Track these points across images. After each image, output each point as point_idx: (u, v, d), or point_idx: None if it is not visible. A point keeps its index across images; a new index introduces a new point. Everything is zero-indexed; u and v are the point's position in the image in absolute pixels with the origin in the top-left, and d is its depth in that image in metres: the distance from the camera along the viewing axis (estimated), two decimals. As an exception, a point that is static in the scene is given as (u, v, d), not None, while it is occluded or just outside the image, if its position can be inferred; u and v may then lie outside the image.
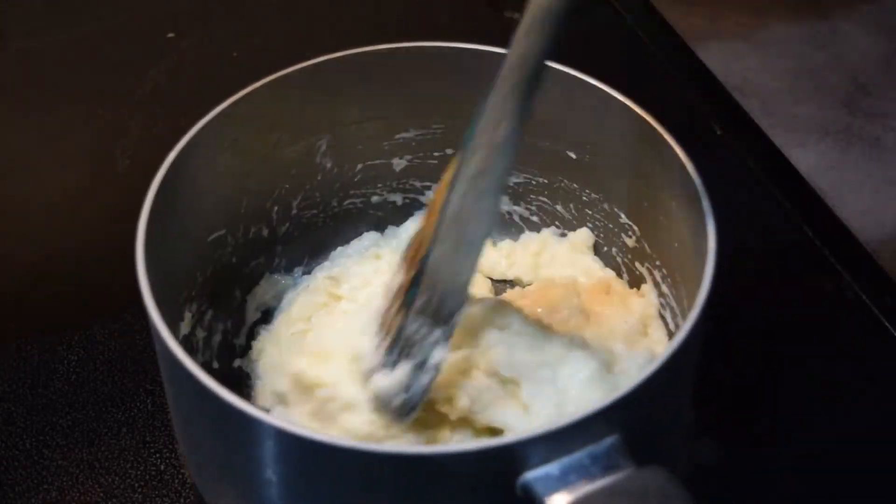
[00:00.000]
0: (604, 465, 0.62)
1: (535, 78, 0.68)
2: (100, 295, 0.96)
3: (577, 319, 0.86)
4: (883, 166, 1.37)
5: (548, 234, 0.95)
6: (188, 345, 0.83)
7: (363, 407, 0.76)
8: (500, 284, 0.94)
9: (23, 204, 1.05)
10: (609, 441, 0.63)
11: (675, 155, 0.77)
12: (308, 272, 0.94)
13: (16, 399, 0.88)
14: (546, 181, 0.93)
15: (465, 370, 0.79)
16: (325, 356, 0.81)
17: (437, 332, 0.72)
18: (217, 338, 0.87)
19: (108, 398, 0.88)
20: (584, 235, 0.93)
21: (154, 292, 0.69)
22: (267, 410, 0.82)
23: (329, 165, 0.92)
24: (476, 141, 0.69)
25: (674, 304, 0.85)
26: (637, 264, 0.89)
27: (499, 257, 0.95)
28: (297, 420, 0.79)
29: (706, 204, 0.74)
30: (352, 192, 0.95)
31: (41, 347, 0.92)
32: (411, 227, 0.96)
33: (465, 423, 0.78)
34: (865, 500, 0.84)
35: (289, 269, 0.94)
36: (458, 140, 0.92)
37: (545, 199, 0.94)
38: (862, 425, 0.87)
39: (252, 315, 0.91)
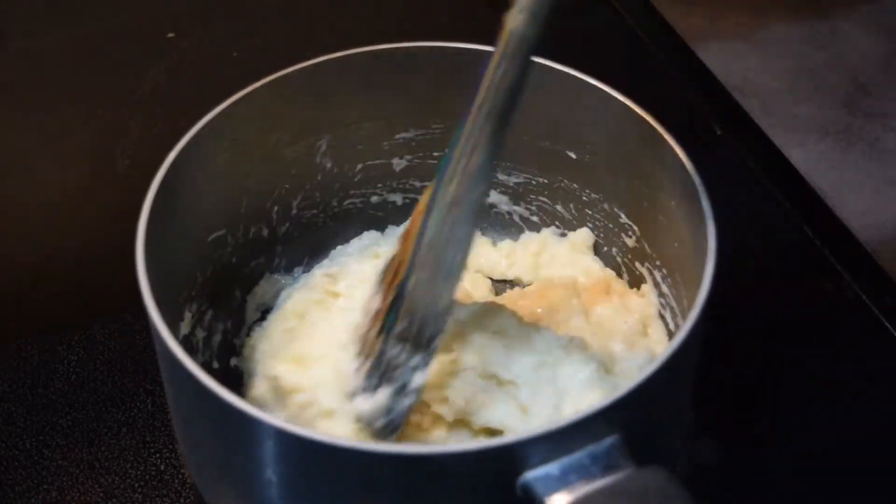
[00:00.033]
0: (604, 465, 0.62)
1: (509, 106, 0.68)
2: (100, 295, 0.96)
3: (577, 319, 0.86)
4: (883, 166, 1.37)
5: (548, 234, 0.95)
6: (188, 345, 0.83)
7: (342, 415, 0.76)
8: (500, 284, 0.95)
9: (23, 204, 1.05)
10: (609, 441, 0.63)
11: (675, 155, 0.77)
12: (308, 272, 0.94)
13: (16, 399, 0.88)
14: (546, 181, 0.93)
15: (460, 371, 0.79)
16: (306, 360, 0.81)
17: (417, 358, 0.73)
18: (217, 338, 0.87)
19: (108, 398, 0.88)
20: (584, 235, 0.93)
21: (154, 292, 0.69)
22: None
23: (329, 165, 0.92)
24: (452, 168, 0.69)
25: (674, 304, 0.85)
26: (637, 264, 0.89)
27: (499, 257, 0.95)
28: None
29: (706, 204, 0.74)
30: (352, 192, 0.95)
31: (41, 347, 0.92)
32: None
33: (463, 424, 0.78)
34: (865, 500, 0.84)
35: (289, 269, 0.94)
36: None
37: (545, 199, 0.94)
38: (862, 425, 0.87)
39: (252, 315, 0.91)
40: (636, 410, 0.66)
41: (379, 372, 0.74)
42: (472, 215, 0.71)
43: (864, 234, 1.03)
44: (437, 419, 0.78)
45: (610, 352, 0.83)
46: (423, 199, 0.72)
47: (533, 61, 0.68)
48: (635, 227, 0.89)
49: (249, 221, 0.90)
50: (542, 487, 0.62)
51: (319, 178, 0.92)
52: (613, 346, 0.84)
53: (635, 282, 0.90)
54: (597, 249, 0.93)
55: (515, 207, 0.96)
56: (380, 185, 0.95)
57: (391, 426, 0.74)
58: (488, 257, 0.95)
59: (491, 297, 0.92)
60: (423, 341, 0.73)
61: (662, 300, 0.87)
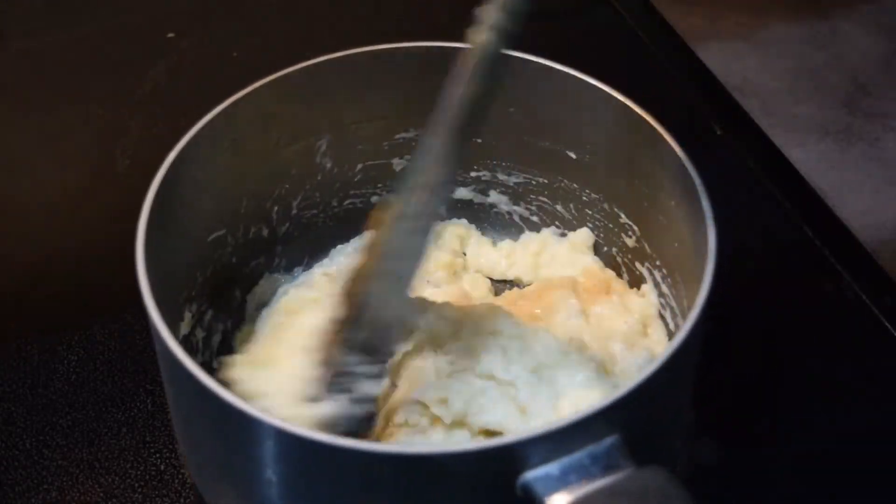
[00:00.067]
0: (604, 465, 0.62)
1: (471, 122, 0.68)
2: (100, 295, 0.96)
3: (577, 320, 0.86)
4: (883, 166, 1.37)
5: (548, 234, 0.95)
6: (188, 345, 0.83)
7: (298, 420, 0.74)
8: (500, 284, 0.95)
9: (23, 204, 1.05)
10: (609, 441, 0.63)
11: (675, 155, 0.77)
12: (308, 271, 0.94)
13: (16, 399, 0.88)
14: (546, 181, 0.93)
15: (458, 373, 0.79)
16: (268, 363, 0.80)
17: (374, 368, 0.73)
18: (217, 338, 0.87)
19: (108, 398, 0.88)
20: (584, 235, 0.93)
21: (154, 292, 0.69)
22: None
23: (329, 165, 0.92)
24: (414, 182, 0.70)
25: (674, 304, 0.85)
26: (637, 264, 0.89)
27: (499, 257, 0.95)
28: None
29: (706, 204, 0.74)
30: (352, 192, 0.95)
31: (41, 347, 0.92)
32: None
33: (462, 424, 0.78)
34: (865, 500, 0.84)
35: (289, 269, 0.94)
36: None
37: (545, 199, 0.94)
38: (862, 425, 0.87)
39: (252, 315, 0.91)
40: (636, 410, 0.66)
41: (335, 380, 0.74)
42: (430, 227, 0.72)
43: (864, 234, 1.03)
44: (436, 420, 0.78)
45: (610, 352, 0.83)
46: (380, 214, 0.73)
47: (496, 80, 0.68)
48: (635, 227, 0.89)
49: (249, 221, 0.90)
50: (542, 487, 0.62)
51: (319, 178, 0.92)
52: (613, 347, 0.84)
53: (635, 282, 0.90)
54: (597, 249, 0.93)
55: (515, 207, 0.96)
56: (380, 186, 0.95)
57: (347, 433, 0.72)
58: (488, 257, 0.95)
59: (490, 298, 0.92)
60: (379, 351, 0.73)
61: (662, 300, 0.87)
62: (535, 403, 0.77)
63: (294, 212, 0.93)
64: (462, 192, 0.96)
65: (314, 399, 0.74)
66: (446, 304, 0.84)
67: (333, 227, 0.95)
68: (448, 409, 0.77)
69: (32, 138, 1.12)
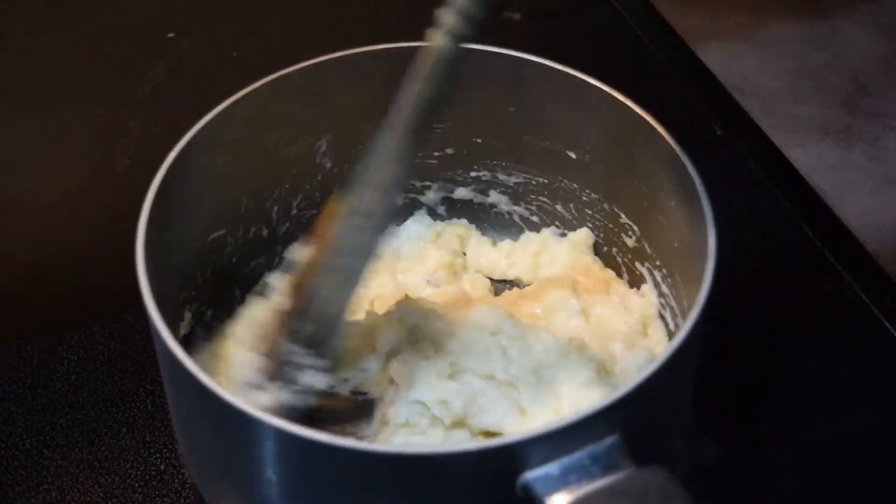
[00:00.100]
0: (604, 465, 0.63)
1: (425, 122, 0.69)
2: (100, 295, 0.96)
3: (577, 320, 0.86)
4: (883, 166, 1.37)
5: (548, 234, 0.95)
6: (189, 344, 0.83)
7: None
8: (500, 284, 0.94)
9: (23, 204, 1.05)
10: (609, 441, 0.63)
11: (676, 155, 0.77)
12: None
13: (16, 399, 0.88)
14: (546, 181, 0.93)
15: (458, 374, 0.79)
16: (222, 354, 0.82)
17: (315, 360, 0.74)
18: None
19: (108, 398, 0.88)
20: (584, 235, 0.93)
21: (154, 292, 0.69)
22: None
23: (329, 165, 0.92)
24: (366, 180, 0.71)
25: (674, 304, 0.85)
26: (637, 264, 0.89)
27: (499, 257, 0.95)
28: None
29: (706, 204, 0.74)
30: (352, 192, 0.95)
31: (41, 347, 0.92)
32: (412, 226, 0.96)
33: (462, 425, 0.78)
34: (865, 500, 0.84)
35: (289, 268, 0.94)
36: (458, 139, 0.92)
37: (545, 199, 0.94)
38: (862, 425, 0.87)
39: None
40: (636, 410, 0.66)
41: (280, 371, 0.74)
42: (381, 226, 0.72)
43: (864, 234, 1.03)
44: (436, 420, 0.78)
45: (610, 352, 0.83)
46: (331, 209, 0.73)
47: (452, 82, 0.69)
48: (635, 228, 0.89)
49: (249, 221, 0.90)
50: (542, 487, 0.62)
51: (319, 177, 0.92)
52: (613, 347, 0.84)
53: (635, 282, 0.90)
54: (597, 249, 0.93)
55: (515, 207, 0.96)
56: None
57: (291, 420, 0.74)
58: (488, 257, 0.95)
59: (490, 298, 0.92)
60: (321, 345, 0.74)
61: (662, 300, 0.87)
62: (535, 404, 0.77)
63: (294, 212, 0.93)
64: (462, 192, 0.96)
65: (258, 387, 0.74)
66: (446, 305, 0.84)
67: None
68: (448, 410, 0.77)
69: (32, 138, 1.12)
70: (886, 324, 0.92)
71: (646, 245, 0.88)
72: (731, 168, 1.06)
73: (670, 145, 0.78)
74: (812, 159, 1.36)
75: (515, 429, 0.75)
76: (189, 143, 0.79)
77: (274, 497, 0.69)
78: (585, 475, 0.62)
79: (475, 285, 0.93)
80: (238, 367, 0.78)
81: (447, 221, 0.97)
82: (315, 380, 0.74)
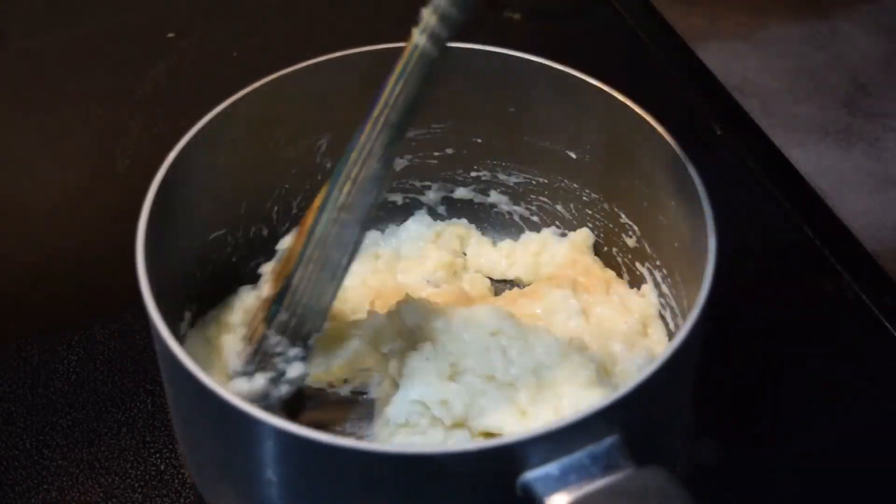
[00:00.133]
0: (604, 465, 0.62)
1: (404, 119, 0.70)
2: (100, 295, 0.96)
3: (577, 320, 0.86)
4: (883, 166, 1.37)
5: (548, 233, 0.95)
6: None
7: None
8: (500, 284, 0.94)
9: (23, 204, 1.05)
10: (609, 441, 0.63)
11: (676, 155, 0.77)
12: None
13: (16, 399, 0.88)
14: (546, 181, 0.93)
15: (459, 374, 0.79)
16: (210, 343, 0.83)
17: (296, 350, 0.75)
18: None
19: (108, 398, 0.88)
20: (584, 235, 0.93)
21: (154, 292, 0.69)
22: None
23: (329, 165, 0.92)
24: (345, 173, 0.72)
25: (674, 304, 0.85)
26: (637, 264, 0.89)
27: (499, 257, 0.95)
28: None
29: (706, 204, 0.74)
30: (352, 191, 0.95)
31: (41, 347, 0.92)
32: (412, 226, 0.96)
33: (462, 426, 0.78)
34: (865, 500, 0.84)
35: None
36: (458, 139, 0.92)
37: (545, 199, 0.94)
38: (862, 425, 0.87)
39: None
40: (636, 410, 0.66)
41: (258, 358, 0.75)
42: (362, 220, 0.73)
43: (864, 234, 1.03)
44: (436, 420, 0.78)
45: (610, 352, 0.83)
46: (319, 197, 0.74)
47: (431, 81, 0.70)
48: (635, 228, 0.89)
49: (250, 221, 0.90)
50: (542, 487, 0.62)
51: (320, 177, 0.92)
52: (613, 347, 0.84)
53: (636, 282, 0.90)
54: (597, 249, 0.93)
55: (516, 207, 0.96)
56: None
57: (269, 409, 0.73)
58: (488, 257, 0.95)
59: (490, 298, 0.92)
60: (301, 335, 0.75)
61: (662, 300, 0.87)
62: (536, 405, 0.77)
63: (294, 211, 0.93)
64: (462, 192, 0.96)
65: (237, 374, 0.76)
66: (447, 305, 0.84)
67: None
68: (448, 411, 0.77)
69: (32, 138, 1.12)
70: (886, 324, 0.92)
71: (646, 245, 0.88)
72: (731, 168, 1.06)
73: (670, 145, 0.78)
74: (812, 159, 1.35)
75: (515, 429, 0.75)
76: (189, 143, 0.79)
77: (274, 497, 0.69)
78: (585, 475, 0.62)
79: (475, 285, 0.93)
80: (227, 356, 0.79)
81: (447, 221, 0.97)
82: (291, 368, 0.75)
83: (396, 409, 0.79)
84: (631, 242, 0.89)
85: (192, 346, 0.84)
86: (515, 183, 0.95)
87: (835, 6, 1.61)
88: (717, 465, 0.82)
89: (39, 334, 0.93)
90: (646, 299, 0.88)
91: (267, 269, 0.80)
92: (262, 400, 0.75)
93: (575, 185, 0.92)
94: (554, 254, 0.94)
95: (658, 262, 0.87)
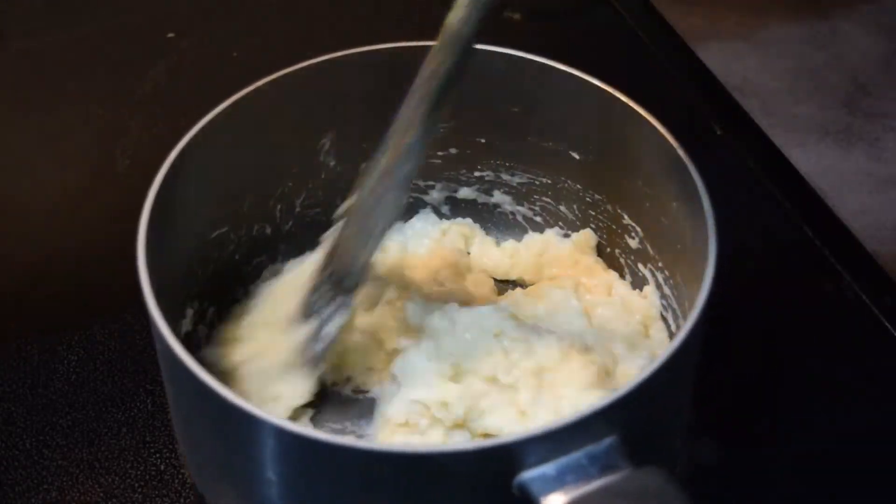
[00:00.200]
0: (602, 465, 0.62)
1: (442, 92, 0.73)
2: (100, 295, 0.96)
3: (580, 321, 0.86)
4: (883, 166, 1.37)
5: (551, 234, 0.95)
6: (190, 343, 0.83)
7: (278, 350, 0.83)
8: (503, 285, 0.94)
9: (23, 204, 1.05)
10: (608, 441, 0.63)
11: (676, 155, 0.77)
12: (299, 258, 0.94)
13: (16, 399, 0.88)
14: (549, 181, 0.93)
15: (460, 376, 0.79)
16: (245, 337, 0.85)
17: (339, 299, 0.80)
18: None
19: (108, 398, 0.88)
20: (587, 236, 0.93)
21: (154, 290, 0.69)
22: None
23: (333, 164, 0.92)
24: (388, 143, 0.76)
25: (675, 305, 0.85)
26: (640, 266, 0.89)
27: (502, 257, 0.95)
28: None
29: (707, 204, 0.74)
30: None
31: (41, 347, 0.92)
32: (417, 224, 0.96)
33: (462, 427, 0.78)
34: (865, 500, 0.84)
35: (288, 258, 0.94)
36: (460, 138, 0.92)
37: (548, 200, 0.94)
38: (862, 425, 0.87)
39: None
40: (635, 410, 0.66)
41: (311, 303, 0.81)
42: (401, 187, 0.77)
43: (864, 234, 1.03)
44: (436, 421, 0.78)
45: (611, 353, 0.83)
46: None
47: (469, 53, 0.72)
48: (638, 229, 0.89)
49: (252, 220, 0.90)
50: (539, 487, 0.62)
51: (323, 176, 0.92)
52: (615, 348, 0.84)
53: (638, 283, 0.90)
54: (600, 250, 0.93)
55: (519, 208, 0.96)
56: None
57: (317, 356, 0.81)
58: (492, 257, 0.95)
59: (494, 298, 0.92)
60: (343, 288, 0.80)
61: (664, 302, 0.87)
62: (536, 407, 0.77)
63: (298, 210, 0.93)
64: (465, 192, 0.96)
65: (297, 321, 0.81)
66: (449, 304, 0.84)
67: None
68: (449, 413, 0.77)
69: (32, 138, 1.12)
70: (886, 324, 0.92)
71: (648, 246, 0.88)
72: (731, 168, 1.06)
73: (672, 147, 0.78)
74: (812, 159, 1.35)
75: (515, 431, 0.75)
76: (189, 143, 0.79)
77: (274, 497, 0.69)
78: (583, 475, 0.62)
79: (479, 285, 0.93)
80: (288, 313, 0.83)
81: (452, 220, 0.97)
82: (339, 317, 0.80)
83: (397, 408, 0.79)
84: (633, 244, 0.89)
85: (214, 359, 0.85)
86: (519, 183, 0.95)
87: (835, 6, 1.61)
88: (717, 465, 0.82)
89: (39, 334, 0.93)
90: (648, 300, 0.88)
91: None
92: (313, 343, 0.80)
93: (578, 186, 0.92)
94: (557, 255, 0.93)
95: (660, 264, 0.87)
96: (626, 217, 0.89)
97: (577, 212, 0.93)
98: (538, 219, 0.96)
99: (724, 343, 0.85)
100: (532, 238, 0.96)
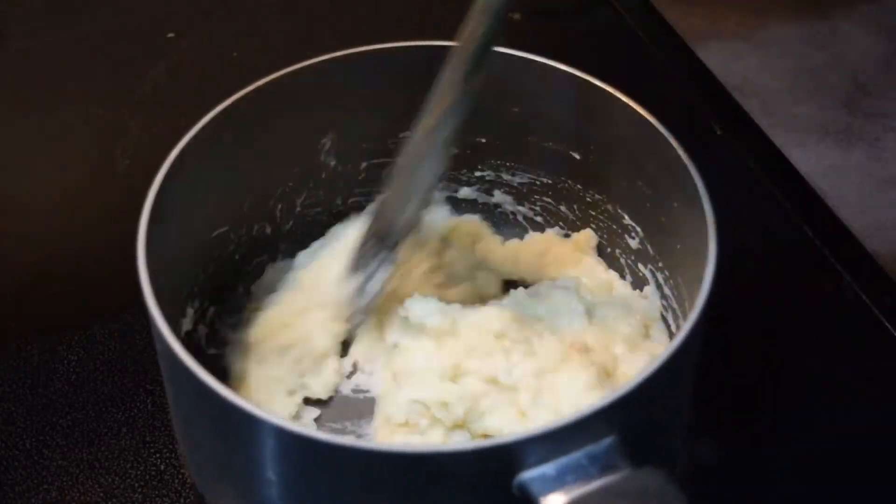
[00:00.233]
0: (601, 465, 0.62)
1: (478, 55, 0.76)
2: (100, 295, 0.96)
3: (581, 321, 0.86)
4: (883, 166, 1.37)
5: (552, 234, 0.95)
6: (190, 342, 0.83)
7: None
8: (504, 284, 0.94)
9: (23, 204, 1.05)
10: (607, 441, 0.63)
11: (676, 155, 0.77)
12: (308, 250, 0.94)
13: (16, 399, 0.88)
14: (550, 181, 0.93)
15: (461, 376, 0.79)
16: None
17: (382, 256, 0.84)
18: (220, 334, 0.87)
19: (108, 398, 0.88)
20: (587, 236, 0.93)
21: (155, 289, 0.69)
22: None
23: (333, 164, 0.92)
24: (430, 105, 0.78)
25: (675, 305, 0.85)
26: (640, 266, 0.89)
27: (505, 257, 0.95)
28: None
29: (707, 205, 0.74)
30: (356, 189, 0.95)
31: (41, 347, 0.92)
32: (425, 218, 0.96)
33: (462, 427, 0.78)
34: (865, 500, 0.84)
35: (291, 255, 0.94)
36: (462, 139, 0.92)
37: (549, 200, 0.94)
38: (862, 425, 0.87)
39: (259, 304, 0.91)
40: (635, 410, 0.66)
41: (358, 258, 0.85)
42: (443, 146, 0.79)
43: (864, 235, 1.03)
44: (436, 421, 0.78)
45: (612, 354, 0.83)
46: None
47: (503, 17, 0.74)
48: (638, 229, 0.89)
49: (252, 219, 0.90)
50: (538, 488, 0.62)
51: (324, 175, 0.92)
52: (615, 349, 0.84)
53: (638, 283, 0.90)
54: (600, 251, 0.93)
55: (520, 208, 0.96)
56: (384, 184, 0.95)
57: (362, 309, 0.86)
58: (496, 256, 0.95)
59: (498, 297, 0.92)
60: (388, 243, 0.83)
61: (664, 302, 0.87)
62: (536, 408, 0.77)
63: (298, 209, 0.93)
64: (466, 192, 0.96)
65: (350, 273, 0.86)
66: (451, 304, 0.84)
67: (337, 225, 0.95)
68: (449, 413, 0.77)
69: (32, 138, 1.12)
70: (886, 324, 0.92)
71: (648, 247, 0.88)
72: (731, 168, 1.06)
73: (672, 147, 0.78)
74: (812, 159, 1.35)
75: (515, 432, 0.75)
76: (189, 143, 0.79)
77: (274, 497, 0.69)
78: (582, 475, 0.62)
79: (487, 284, 0.92)
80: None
81: (459, 217, 0.96)
82: (383, 271, 0.84)
83: (397, 407, 0.79)
84: (634, 244, 0.89)
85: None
86: (519, 183, 0.95)
87: (835, 6, 1.61)
88: (717, 465, 0.82)
89: (39, 334, 0.93)
90: (648, 301, 0.88)
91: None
92: (358, 296, 0.85)
93: (578, 186, 0.92)
94: (557, 254, 0.93)
95: (660, 264, 0.87)
96: (626, 217, 0.89)
97: (577, 212, 0.93)
98: (539, 219, 0.96)
99: (724, 343, 0.85)
100: (533, 238, 0.96)
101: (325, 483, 0.67)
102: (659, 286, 0.87)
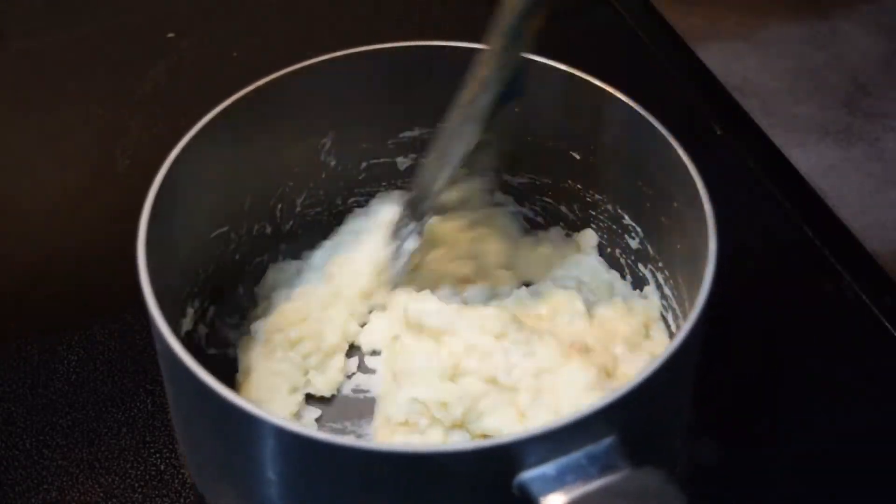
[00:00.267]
0: (601, 465, 0.62)
1: (516, 27, 0.76)
2: (100, 295, 0.96)
3: (581, 321, 0.86)
4: (883, 166, 1.37)
5: (552, 234, 0.95)
6: (190, 342, 0.83)
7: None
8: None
9: (23, 204, 1.05)
10: (607, 441, 0.63)
11: (676, 155, 0.77)
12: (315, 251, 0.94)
13: (16, 399, 0.88)
14: (550, 181, 0.93)
15: (460, 376, 0.79)
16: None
17: (414, 225, 0.87)
18: (220, 334, 0.87)
19: (108, 398, 0.88)
20: (588, 236, 0.93)
21: (155, 291, 0.69)
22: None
23: (333, 164, 0.92)
24: (469, 80, 0.80)
25: (675, 305, 0.85)
26: (640, 266, 0.89)
27: (510, 255, 0.95)
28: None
29: (707, 205, 0.74)
30: (356, 189, 0.95)
31: (41, 347, 0.92)
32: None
33: (462, 427, 0.78)
34: (865, 500, 0.84)
35: (295, 256, 0.94)
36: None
37: (550, 200, 0.94)
38: (862, 425, 0.87)
39: (262, 304, 0.91)
40: (635, 410, 0.66)
41: (396, 229, 0.88)
42: (479, 117, 0.80)
43: (864, 234, 1.03)
44: (436, 421, 0.78)
45: (612, 354, 0.83)
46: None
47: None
48: (638, 229, 0.89)
49: (253, 219, 0.90)
50: (538, 488, 0.62)
51: (324, 175, 0.92)
52: (615, 349, 0.84)
53: (638, 283, 0.90)
54: (601, 251, 0.93)
55: (520, 208, 0.96)
56: (384, 184, 0.95)
57: (396, 275, 0.89)
58: (499, 255, 0.95)
59: (507, 295, 0.91)
60: (417, 213, 0.86)
61: (665, 302, 0.87)
62: (536, 408, 0.77)
63: (298, 209, 0.93)
64: (466, 192, 0.96)
65: (390, 241, 0.88)
66: (452, 304, 0.84)
67: (338, 225, 0.95)
68: (448, 413, 0.77)
69: (32, 138, 1.12)
70: (886, 324, 0.92)
71: (648, 247, 0.88)
72: (731, 168, 1.06)
73: (673, 147, 0.78)
74: (812, 159, 1.35)
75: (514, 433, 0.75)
76: (189, 143, 0.79)
77: (274, 497, 0.69)
78: (582, 475, 0.62)
79: (498, 280, 0.92)
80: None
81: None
82: (411, 241, 0.87)
83: (396, 407, 0.79)
84: (634, 244, 0.89)
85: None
86: (520, 183, 0.95)
87: (835, 6, 1.61)
88: (717, 465, 0.82)
89: (39, 334, 0.93)
90: (648, 301, 0.88)
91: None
92: (394, 260, 0.88)
93: (579, 186, 0.92)
94: (558, 255, 0.93)
95: (660, 264, 0.87)
96: (626, 217, 0.89)
97: (577, 212, 0.93)
98: (539, 219, 0.96)
99: (724, 343, 0.85)
100: (534, 237, 0.96)
101: (325, 483, 0.67)
102: (659, 286, 0.87)
